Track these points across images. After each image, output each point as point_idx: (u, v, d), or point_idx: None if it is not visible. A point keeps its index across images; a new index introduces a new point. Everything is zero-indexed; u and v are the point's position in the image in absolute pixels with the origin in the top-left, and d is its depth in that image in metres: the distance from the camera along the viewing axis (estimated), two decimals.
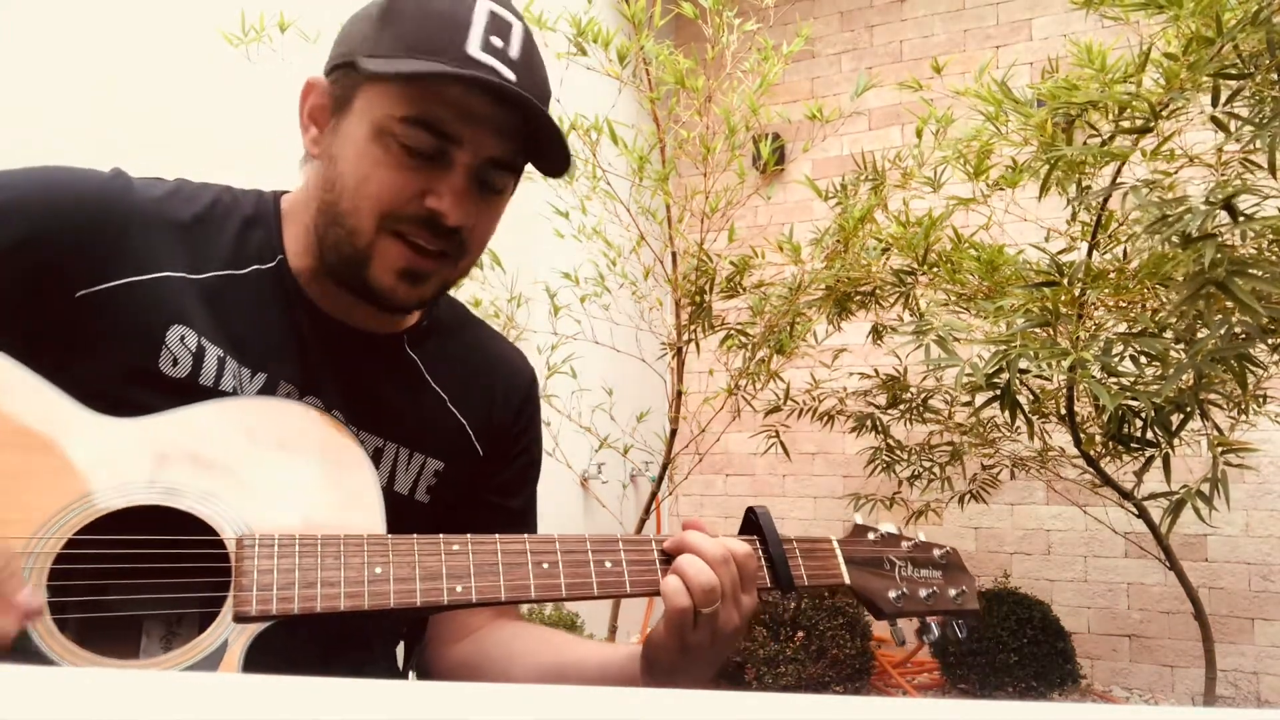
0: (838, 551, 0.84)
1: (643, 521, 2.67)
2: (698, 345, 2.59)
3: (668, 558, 0.74)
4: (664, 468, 2.62)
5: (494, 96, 0.71)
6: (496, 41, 0.71)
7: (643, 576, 0.73)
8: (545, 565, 0.69)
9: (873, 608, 0.85)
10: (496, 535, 0.69)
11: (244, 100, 2.06)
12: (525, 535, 0.70)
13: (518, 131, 0.74)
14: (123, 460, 0.63)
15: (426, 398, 0.86)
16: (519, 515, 0.94)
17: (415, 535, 0.66)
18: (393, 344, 0.85)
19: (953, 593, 0.88)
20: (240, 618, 0.59)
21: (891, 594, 0.85)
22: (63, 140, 1.65)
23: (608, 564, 0.72)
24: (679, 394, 2.57)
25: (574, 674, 0.81)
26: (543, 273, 2.73)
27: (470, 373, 0.90)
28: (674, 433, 2.60)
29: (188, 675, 0.50)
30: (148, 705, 0.29)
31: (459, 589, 0.65)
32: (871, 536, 0.88)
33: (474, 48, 0.70)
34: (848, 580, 0.83)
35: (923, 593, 0.86)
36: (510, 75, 0.71)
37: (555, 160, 0.77)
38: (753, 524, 0.81)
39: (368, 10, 0.75)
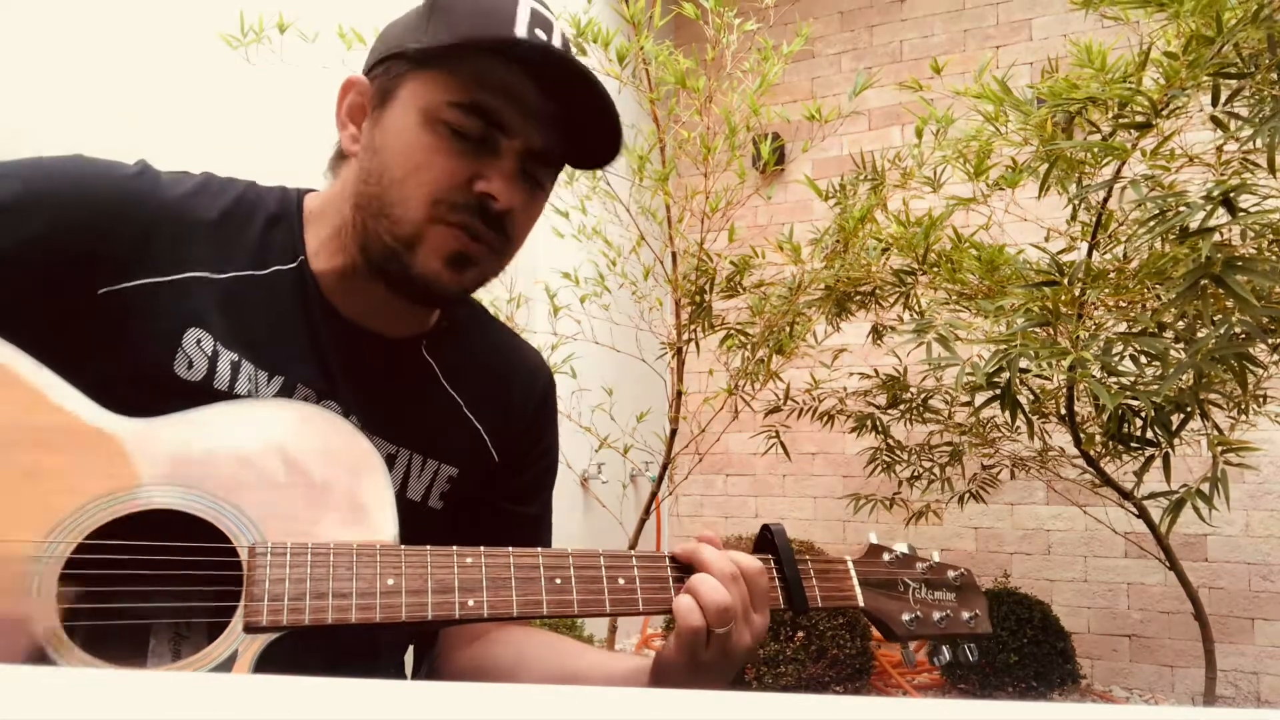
0: (853, 573, 0.83)
1: (643, 521, 2.67)
2: (698, 345, 2.59)
3: (680, 573, 0.73)
4: (664, 468, 2.62)
5: (542, 62, 0.72)
6: (540, 34, 0.73)
7: (656, 595, 0.72)
8: (558, 580, 0.68)
9: (885, 630, 0.84)
10: (509, 549, 0.68)
11: (244, 101, 2.06)
12: (539, 549, 0.69)
13: (560, 124, 0.75)
14: (138, 462, 0.62)
15: (441, 403, 0.85)
16: (533, 521, 0.93)
17: (428, 547, 0.66)
18: (409, 348, 0.84)
19: (966, 616, 0.87)
20: (251, 628, 0.59)
21: (905, 617, 0.84)
22: (62, 141, 1.65)
23: (621, 581, 0.71)
24: (679, 394, 2.57)
25: (581, 682, 0.81)
26: (543, 273, 2.73)
27: (486, 377, 0.89)
28: (674, 433, 2.60)
29: (189, 675, 0.50)
30: (151, 706, 0.29)
31: (471, 603, 0.65)
32: (886, 557, 0.87)
33: (521, 32, 0.72)
34: (861, 603, 0.82)
35: (936, 616, 0.85)
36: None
37: (602, 141, 0.77)
38: (768, 542, 0.80)
39: (411, 12, 0.77)
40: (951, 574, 0.89)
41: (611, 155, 0.79)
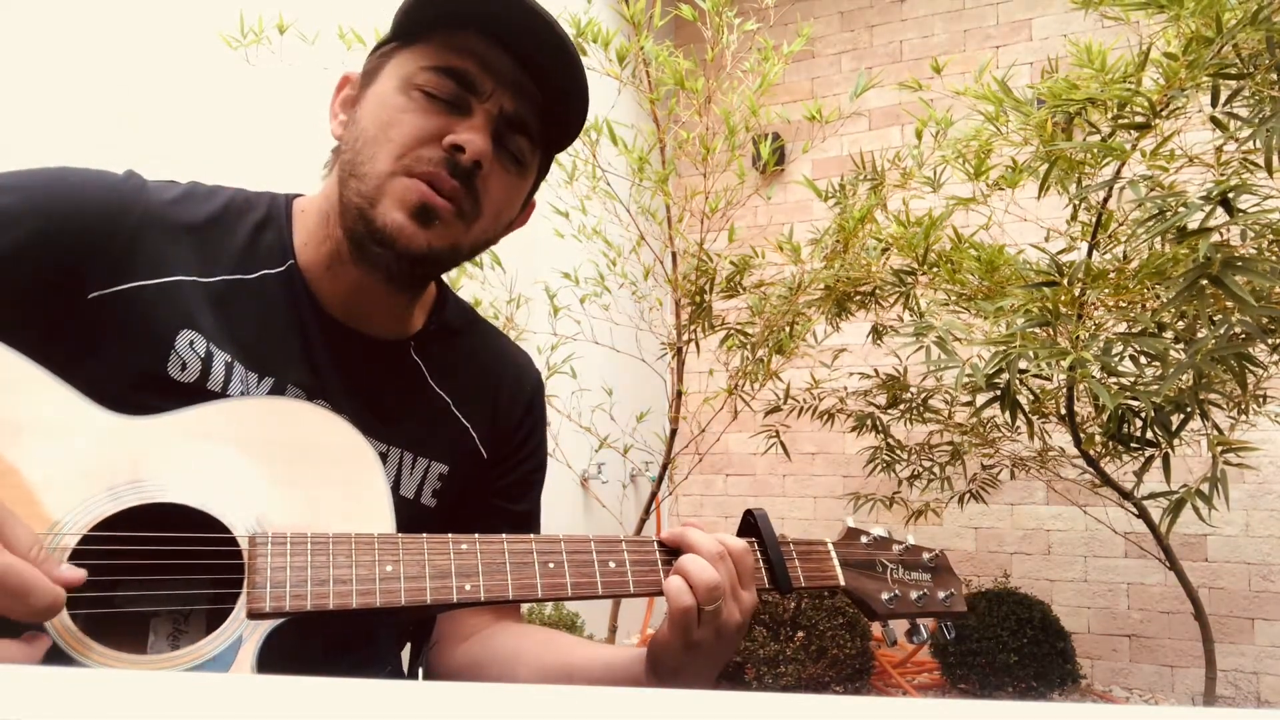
0: (833, 554, 0.85)
1: (643, 521, 2.67)
2: (698, 345, 2.60)
3: (669, 556, 0.75)
4: (664, 468, 2.62)
5: (511, 23, 0.74)
6: None
7: (646, 576, 0.74)
8: (551, 565, 0.70)
9: (866, 609, 0.86)
10: (503, 535, 0.70)
11: (244, 103, 2.06)
12: (531, 535, 0.71)
13: (535, 98, 0.77)
14: (137, 458, 0.63)
15: (431, 402, 0.86)
16: (524, 519, 0.95)
17: (424, 534, 0.67)
18: (398, 350, 0.85)
19: (942, 595, 0.90)
20: (254, 614, 0.60)
21: (884, 596, 0.86)
22: (62, 143, 1.65)
23: (611, 564, 0.73)
24: (679, 394, 2.57)
25: (579, 675, 0.82)
26: (543, 273, 2.73)
27: (475, 377, 0.90)
28: (674, 433, 2.60)
29: (190, 676, 0.51)
30: (151, 706, 0.29)
31: (468, 587, 0.66)
32: (864, 540, 0.89)
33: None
34: (843, 582, 0.84)
35: (914, 595, 0.88)
36: (532, 22, 0.75)
37: (572, 104, 0.79)
38: (751, 526, 0.82)
39: None
40: (926, 555, 0.92)
41: (579, 120, 0.81)
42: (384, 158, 0.73)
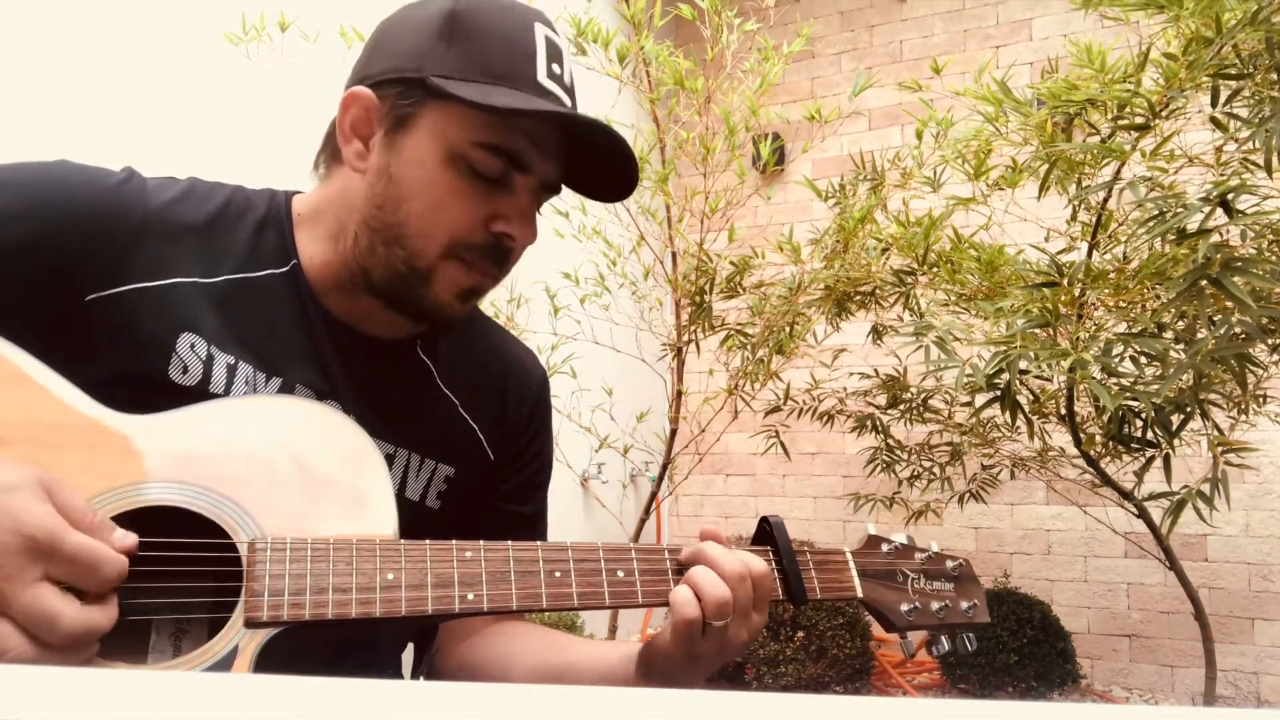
0: (851, 564, 0.83)
1: (643, 521, 2.67)
2: (698, 345, 2.60)
3: (681, 569, 0.73)
4: (664, 468, 2.62)
5: (580, 131, 0.74)
6: (556, 69, 0.74)
7: (655, 587, 0.72)
8: (557, 574, 0.69)
9: (884, 621, 0.84)
10: (509, 543, 0.69)
11: (244, 100, 2.07)
12: (538, 543, 0.70)
13: (564, 155, 0.77)
14: (137, 459, 0.62)
15: (438, 403, 0.86)
16: (529, 520, 0.94)
17: (428, 541, 0.66)
18: (405, 349, 0.84)
19: (964, 606, 0.87)
20: (251, 624, 0.59)
21: (903, 607, 0.84)
22: (62, 143, 1.65)
23: (620, 573, 0.71)
24: (679, 394, 2.57)
25: (571, 675, 0.81)
26: (543, 273, 2.73)
27: (481, 377, 0.90)
28: (674, 433, 2.60)
29: (190, 675, 0.50)
30: (151, 706, 0.29)
31: (470, 596, 0.65)
32: (885, 548, 0.87)
33: (542, 76, 0.73)
34: (860, 594, 0.82)
35: (935, 606, 0.85)
36: (568, 101, 0.76)
37: (619, 180, 0.80)
38: (766, 534, 0.80)
39: (423, 23, 0.74)
40: (950, 564, 0.90)
41: (626, 192, 0.81)
42: (436, 242, 0.74)
